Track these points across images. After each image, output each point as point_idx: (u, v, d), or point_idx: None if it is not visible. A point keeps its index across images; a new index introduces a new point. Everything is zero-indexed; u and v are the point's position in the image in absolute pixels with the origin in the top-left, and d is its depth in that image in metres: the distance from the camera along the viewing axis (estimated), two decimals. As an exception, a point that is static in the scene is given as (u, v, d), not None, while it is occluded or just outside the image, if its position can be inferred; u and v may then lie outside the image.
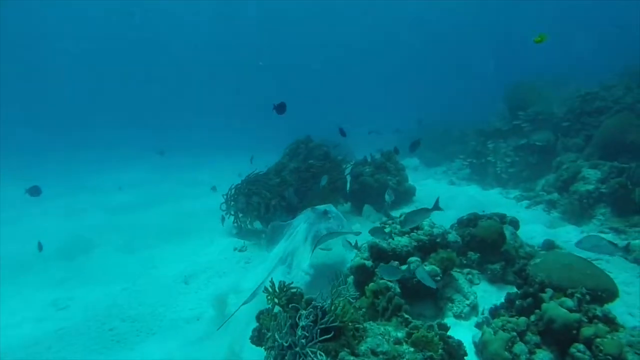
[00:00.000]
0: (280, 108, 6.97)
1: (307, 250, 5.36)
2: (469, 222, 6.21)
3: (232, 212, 9.24)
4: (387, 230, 5.38)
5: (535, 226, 7.56)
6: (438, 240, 5.22)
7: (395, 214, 9.18)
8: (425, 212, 4.49)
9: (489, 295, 5.28)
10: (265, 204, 9.03)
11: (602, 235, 6.90)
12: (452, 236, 5.41)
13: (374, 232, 5.00)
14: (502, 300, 4.57)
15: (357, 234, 5.79)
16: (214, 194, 12.07)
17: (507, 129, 12.90)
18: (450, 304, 5.01)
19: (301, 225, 5.79)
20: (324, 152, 10.39)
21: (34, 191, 9.53)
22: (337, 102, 41.38)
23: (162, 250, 8.59)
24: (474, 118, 19.58)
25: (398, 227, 5.50)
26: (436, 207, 4.52)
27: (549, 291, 3.77)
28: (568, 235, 7.17)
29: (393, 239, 5.19)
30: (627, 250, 4.55)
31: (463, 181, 13.74)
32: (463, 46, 48.87)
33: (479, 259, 5.68)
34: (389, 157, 10.00)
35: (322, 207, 6.15)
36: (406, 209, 9.34)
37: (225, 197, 9.55)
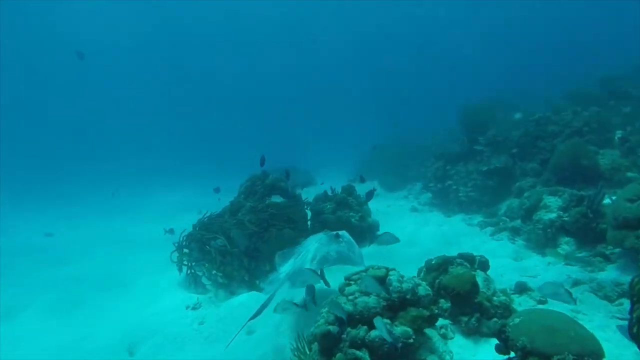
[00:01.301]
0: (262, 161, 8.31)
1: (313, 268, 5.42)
2: (439, 267, 5.87)
3: (185, 262, 8.43)
4: (351, 289, 4.88)
5: (503, 260, 7.37)
6: (408, 296, 4.77)
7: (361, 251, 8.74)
8: (377, 284, 4.64)
9: (465, 351, 4.88)
10: (221, 252, 8.33)
11: (568, 267, 6.78)
12: (423, 289, 4.98)
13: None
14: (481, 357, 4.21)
15: (366, 270, 5.63)
16: (170, 238, 10.92)
17: (466, 152, 12.96)
18: (425, 368, 4.55)
19: (312, 245, 5.94)
20: (282, 189, 9.85)
21: None
22: (300, 126, 41.22)
23: (100, 309, 7.58)
24: (431, 138, 19.86)
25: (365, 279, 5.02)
26: (385, 289, 4.71)
27: (535, 363, 3.39)
28: (536, 269, 6.99)
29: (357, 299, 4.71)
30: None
31: (425, 207, 13.62)
32: (417, 66, 50.78)
33: (452, 308, 5.32)
34: (350, 192, 9.62)
35: (334, 232, 6.24)
36: (371, 247, 8.91)
37: (176, 245, 8.76)
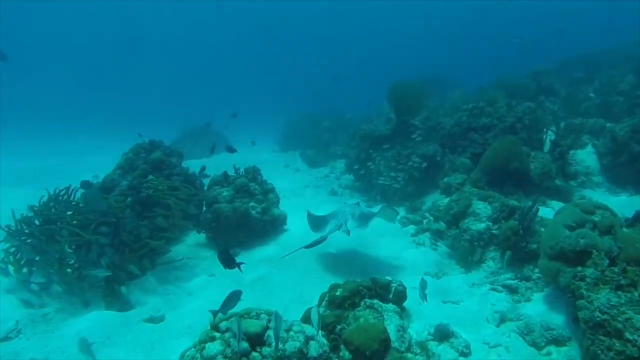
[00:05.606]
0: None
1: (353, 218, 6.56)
2: (344, 300, 4.51)
3: (15, 260, 6.22)
4: (214, 348, 3.30)
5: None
6: (292, 364, 3.32)
7: (259, 253, 7.20)
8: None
9: None
10: (71, 244, 6.27)
11: (494, 293, 5.87)
12: (315, 347, 3.56)
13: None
14: None
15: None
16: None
17: (393, 136, 11.78)
18: None
19: (344, 210, 6.80)
20: (172, 166, 7.84)
21: None
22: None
23: None
24: (365, 111, 18.43)
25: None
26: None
27: None
28: (458, 292, 6.00)
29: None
30: None
31: (346, 191, 12.42)
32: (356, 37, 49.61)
33: (353, 363, 4.01)
34: (254, 176, 7.88)
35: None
36: (273, 246, 7.36)
37: (7, 231, 6.47)
